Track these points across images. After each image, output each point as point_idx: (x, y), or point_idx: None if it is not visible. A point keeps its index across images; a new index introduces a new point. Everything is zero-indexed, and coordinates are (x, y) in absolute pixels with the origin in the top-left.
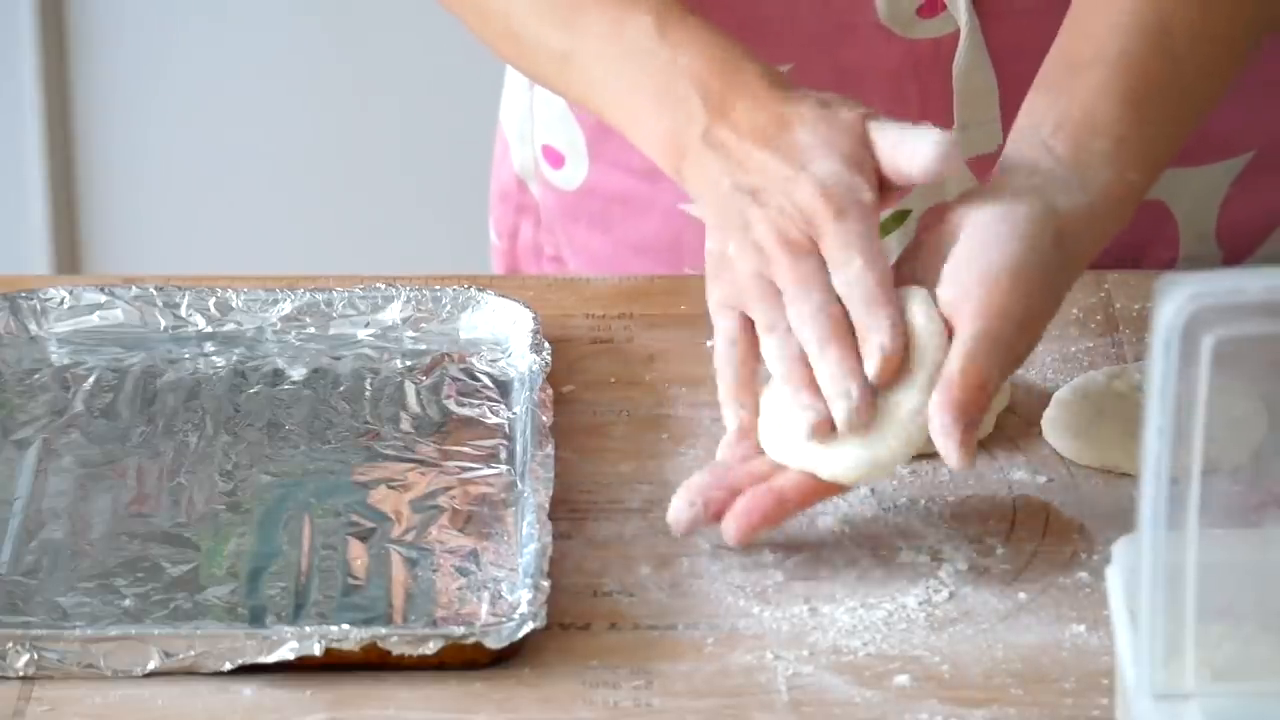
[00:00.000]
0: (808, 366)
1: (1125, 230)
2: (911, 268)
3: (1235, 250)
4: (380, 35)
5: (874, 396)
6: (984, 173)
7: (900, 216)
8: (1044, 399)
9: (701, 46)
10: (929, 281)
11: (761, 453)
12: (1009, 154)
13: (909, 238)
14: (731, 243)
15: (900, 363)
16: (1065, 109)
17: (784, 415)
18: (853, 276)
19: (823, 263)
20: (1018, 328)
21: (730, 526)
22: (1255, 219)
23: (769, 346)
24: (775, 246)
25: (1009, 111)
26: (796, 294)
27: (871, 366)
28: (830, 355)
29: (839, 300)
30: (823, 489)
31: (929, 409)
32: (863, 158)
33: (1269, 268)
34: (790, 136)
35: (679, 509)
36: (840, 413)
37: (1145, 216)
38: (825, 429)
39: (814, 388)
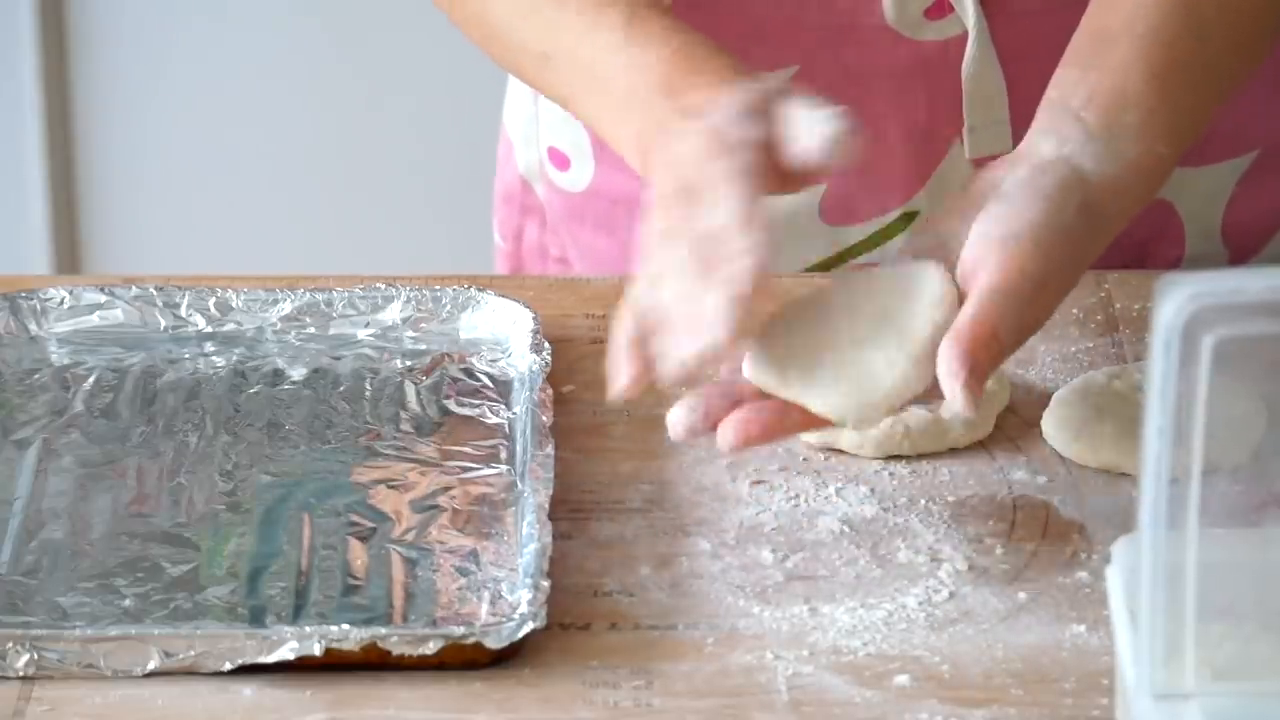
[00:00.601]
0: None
1: (1131, 228)
2: (938, 233)
3: (1241, 248)
4: (381, 35)
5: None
6: None
7: (909, 218)
8: (1044, 399)
9: (665, 42)
10: (955, 246)
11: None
12: (1038, 123)
13: None
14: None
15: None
16: (1095, 82)
17: (782, 347)
18: (734, 238)
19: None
20: (1035, 287)
21: (726, 432)
22: (1261, 217)
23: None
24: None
25: (1018, 112)
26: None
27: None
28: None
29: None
30: (816, 420)
31: (940, 352)
32: (754, 103)
33: (1269, 267)
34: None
35: (678, 415)
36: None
37: (1151, 215)
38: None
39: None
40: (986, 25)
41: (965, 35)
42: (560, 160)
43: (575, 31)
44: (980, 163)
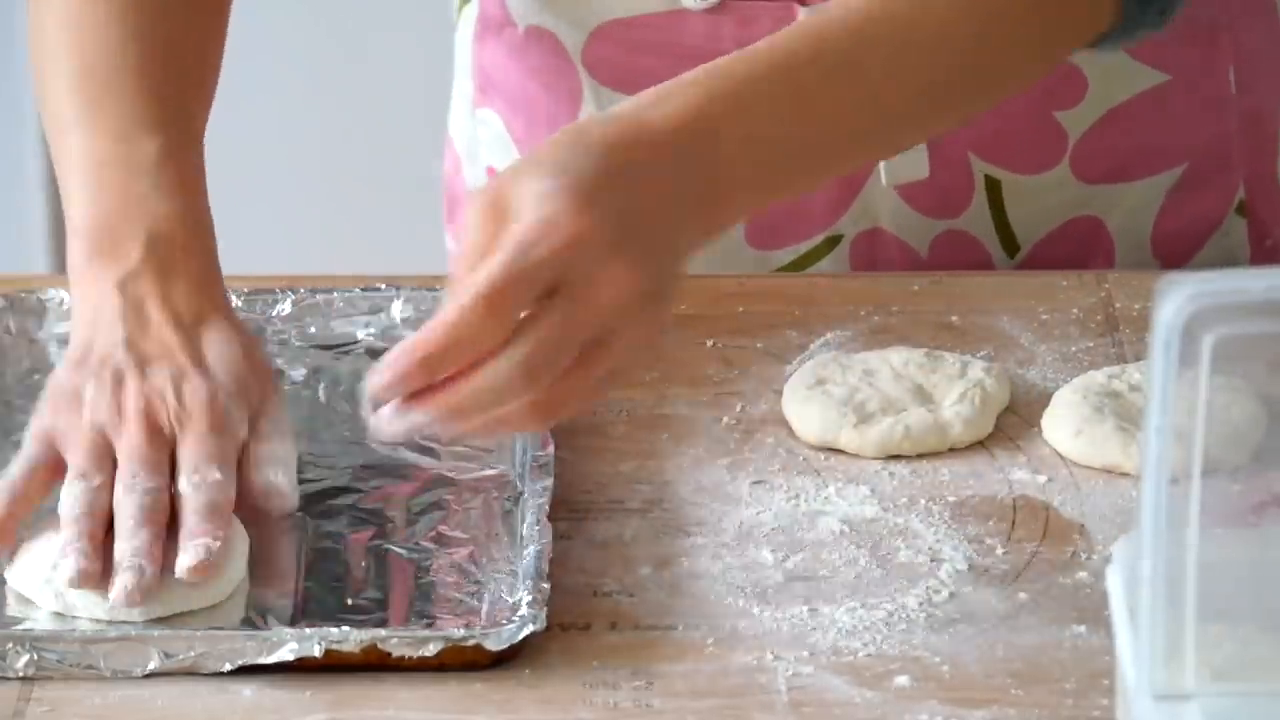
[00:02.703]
0: (103, 525)
1: (1063, 242)
2: None
3: (1170, 259)
4: (381, 35)
5: (157, 587)
6: (917, 199)
7: (833, 241)
8: (1044, 399)
9: (179, 203)
10: None
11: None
12: None
13: (841, 263)
14: (91, 386)
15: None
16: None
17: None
18: (208, 483)
19: (171, 454)
20: None
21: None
22: (1189, 228)
23: (75, 490)
24: (135, 422)
25: (949, 139)
26: (136, 471)
27: (186, 562)
28: (142, 535)
29: (167, 491)
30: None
31: None
32: (250, 388)
33: (1269, 268)
34: (201, 332)
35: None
36: (127, 582)
37: (1080, 230)
38: (90, 580)
39: (96, 543)
40: None
41: None
42: None
43: (105, 127)
44: (913, 188)
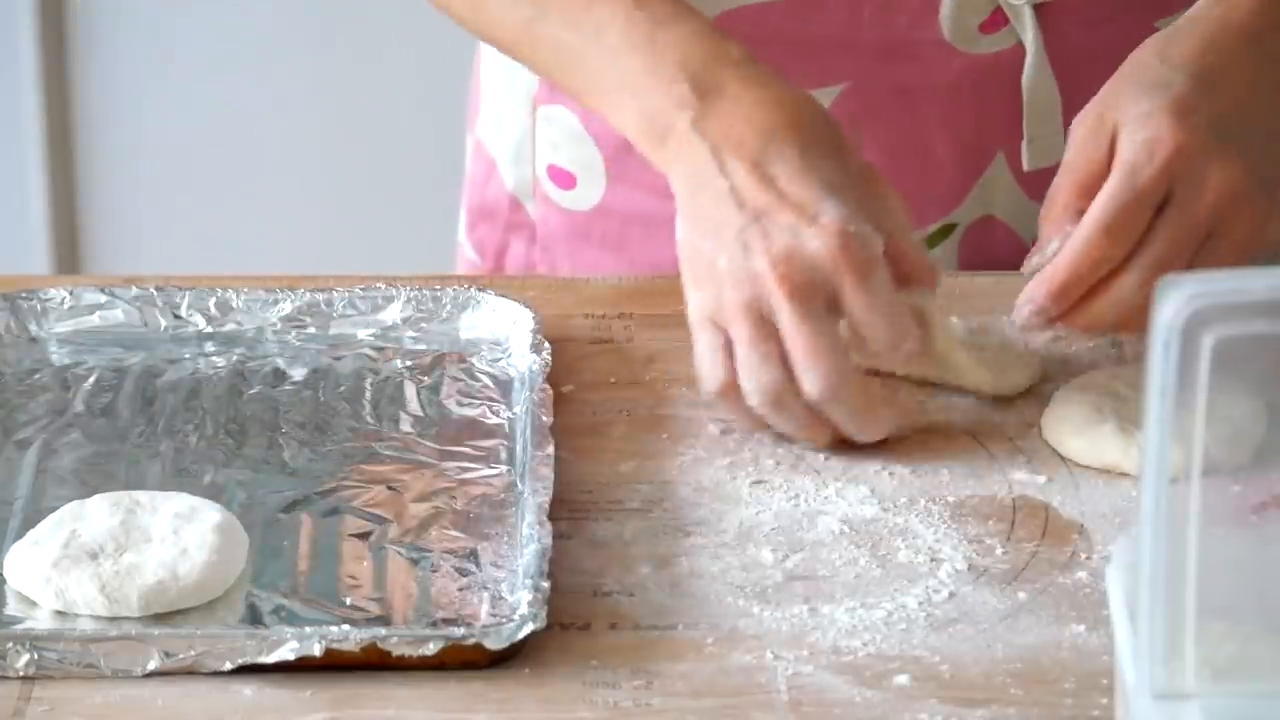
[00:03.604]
0: (794, 395)
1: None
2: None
3: None
4: (382, 35)
5: None
6: (1035, 186)
7: (947, 230)
8: (1044, 399)
9: (684, 26)
10: None
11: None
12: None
13: (950, 254)
14: (724, 256)
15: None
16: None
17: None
18: (879, 341)
19: (832, 318)
20: None
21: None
22: None
23: (752, 364)
24: (778, 288)
25: (1069, 124)
26: (809, 350)
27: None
28: (840, 411)
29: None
30: None
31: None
32: (861, 197)
33: (1269, 267)
34: (779, 151)
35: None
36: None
37: None
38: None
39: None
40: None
41: (1016, 48)
42: (563, 179)
43: None
44: (1032, 174)
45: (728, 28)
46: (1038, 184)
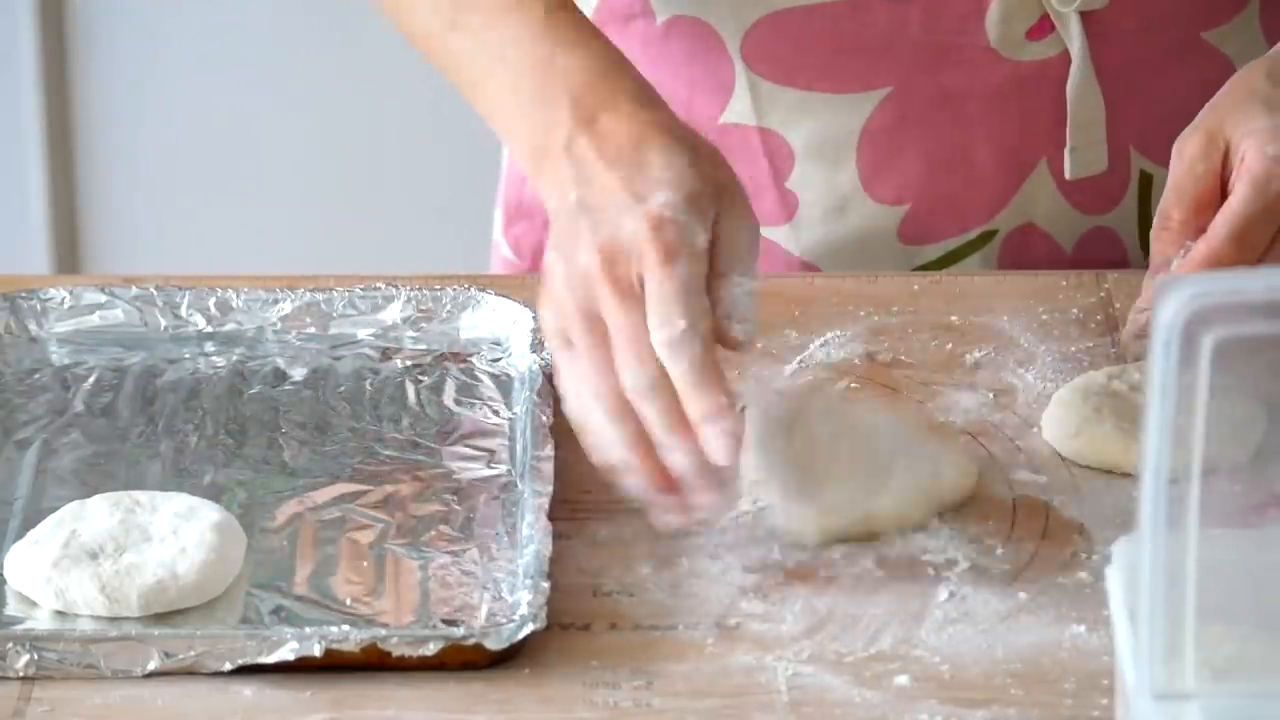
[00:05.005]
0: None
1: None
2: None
3: None
4: (381, 35)
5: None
6: (1076, 193)
7: (987, 236)
8: (1044, 399)
9: (584, 50)
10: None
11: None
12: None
13: (990, 261)
14: (562, 263)
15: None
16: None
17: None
18: (675, 340)
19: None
20: None
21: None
22: None
23: (590, 370)
24: (601, 281)
25: (1114, 132)
26: (621, 345)
27: (718, 453)
28: (652, 409)
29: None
30: None
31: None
32: (702, 197)
33: (1269, 267)
34: (641, 157)
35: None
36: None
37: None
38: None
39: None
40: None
41: (1062, 56)
42: None
43: (488, 9)
44: (1074, 183)
45: (773, 31)
46: (1079, 192)
